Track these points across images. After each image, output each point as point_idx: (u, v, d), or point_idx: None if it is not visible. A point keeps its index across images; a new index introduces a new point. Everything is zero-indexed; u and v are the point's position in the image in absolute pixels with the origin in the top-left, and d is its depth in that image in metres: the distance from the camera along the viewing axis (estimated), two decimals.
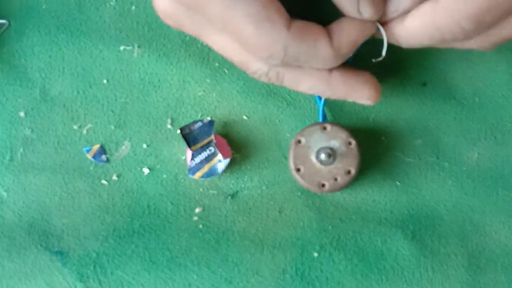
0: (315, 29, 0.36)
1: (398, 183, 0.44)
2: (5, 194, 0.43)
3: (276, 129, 0.44)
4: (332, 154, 0.41)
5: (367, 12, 0.36)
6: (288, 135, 0.44)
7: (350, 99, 0.39)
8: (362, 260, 0.43)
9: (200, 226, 0.43)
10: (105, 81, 0.44)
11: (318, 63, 0.37)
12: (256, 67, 0.37)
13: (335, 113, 0.44)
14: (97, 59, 0.45)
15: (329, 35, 0.36)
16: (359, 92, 0.39)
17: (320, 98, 0.43)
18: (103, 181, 0.43)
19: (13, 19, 0.45)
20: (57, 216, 0.43)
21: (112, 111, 0.44)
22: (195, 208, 0.43)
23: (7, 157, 0.43)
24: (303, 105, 0.44)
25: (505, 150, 0.44)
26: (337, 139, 0.42)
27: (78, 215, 0.43)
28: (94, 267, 0.42)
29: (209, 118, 0.44)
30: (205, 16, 0.36)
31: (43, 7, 0.45)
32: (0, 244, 0.42)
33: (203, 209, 0.43)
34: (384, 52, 0.38)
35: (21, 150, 0.43)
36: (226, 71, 0.45)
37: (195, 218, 0.43)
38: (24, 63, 0.44)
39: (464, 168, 0.44)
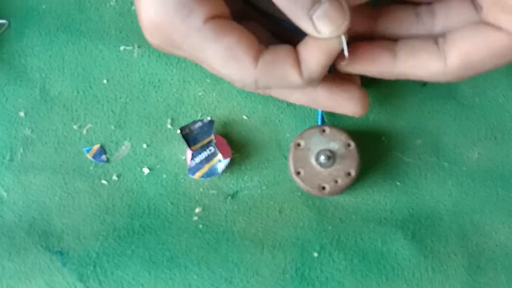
0: (283, 58, 0.36)
1: (398, 183, 0.44)
2: (5, 194, 0.43)
3: (276, 129, 0.44)
4: (331, 156, 0.41)
5: (326, 30, 0.34)
6: (288, 135, 0.44)
7: (337, 112, 0.40)
8: (362, 260, 0.43)
9: (200, 226, 0.43)
10: (105, 81, 0.44)
11: (292, 88, 0.38)
12: (241, 85, 0.38)
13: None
14: (97, 59, 0.45)
15: (298, 62, 0.36)
16: (344, 108, 0.39)
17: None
18: (103, 181, 0.43)
19: (13, 19, 0.45)
20: (57, 216, 0.43)
21: (112, 111, 0.44)
22: (195, 208, 0.43)
23: (7, 157, 0.43)
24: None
25: (505, 150, 0.44)
26: (336, 141, 0.42)
27: (78, 215, 0.43)
28: (94, 267, 0.42)
29: (209, 118, 0.44)
30: (185, 53, 0.37)
31: (43, 7, 0.45)
32: (0, 244, 0.42)
33: (203, 209, 0.43)
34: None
35: (21, 150, 0.43)
36: None
37: (195, 218, 0.43)
38: (24, 63, 0.44)
39: (464, 168, 0.44)
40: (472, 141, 0.44)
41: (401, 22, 0.39)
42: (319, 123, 0.43)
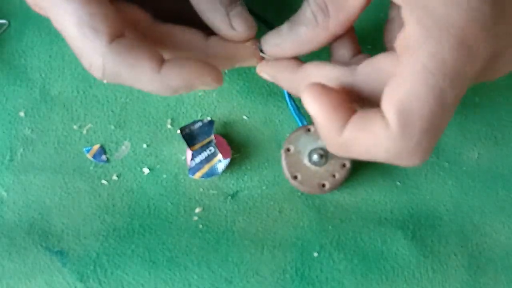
0: (146, 52, 0.34)
1: (398, 183, 0.44)
2: (5, 194, 0.43)
3: (276, 129, 0.44)
4: (324, 154, 0.41)
5: (241, 28, 0.35)
6: (288, 135, 0.44)
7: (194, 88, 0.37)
8: (362, 260, 0.43)
9: (200, 226, 0.43)
10: (105, 81, 0.44)
11: (143, 87, 0.35)
12: (87, 64, 0.35)
13: None
14: None
15: (160, 62, 0.34)
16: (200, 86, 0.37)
17: (292, 104, 0.43)
18: (103, 181, 0.43)
19: (13, 19, 0.45)
20: (57, 216, 0.43)
21: (112, 111, 0.44)
22: (195, 208, 0.43)
23: (7, 157, 0.43)
24: (303, 105, 0.44)
25: (505, 150, 0.44)
26: None
27: (78, 215, 0.43)
28: (94, 267, 0.42)
29: (209, 118, 0.44)
30: (41, 9, 0.35)
31: None
32: (0, 244, 0.42)
33: (203, 209, 0.43)
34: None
35: (21, 150, 0.43)
36: (226, 71, 0.45)
37: (195, 218, 0.43)
38: (24, 63, 0.44)
39: (464, 168, 0.44)
40: (472, 141, 0.44)
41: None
42: (299, 124, 0.43)
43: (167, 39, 0.38)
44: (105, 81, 0.35)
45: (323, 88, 0.32)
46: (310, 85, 0.33)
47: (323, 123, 0.33)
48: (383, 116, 0.31)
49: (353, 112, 0.32)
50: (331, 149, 0.34)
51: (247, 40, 0.38)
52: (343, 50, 0.37)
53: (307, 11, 0.35)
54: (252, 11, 0.39)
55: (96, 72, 0.34)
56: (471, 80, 0.31)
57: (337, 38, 0.36)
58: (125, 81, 0.35)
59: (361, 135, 0.32)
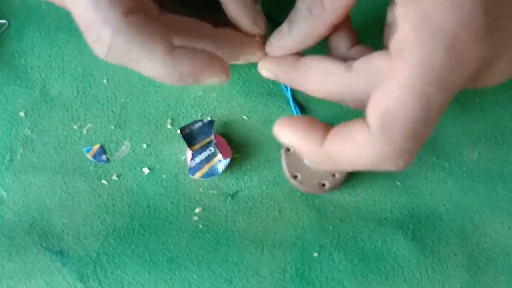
0: (159, 31, 0.32)
1: (398, 183, 0.44)
2: (5, 194, 0.43)
3: None
4: None
5: (262, 24, 0.36)
6: None
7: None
8: (362, 260, 0.43)
9: (200, 226, 0.43)
10: (105, 81, 0.44)
11: (150, 70, 0.33)
12: (93, 38, 0.32)
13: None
14: (97, 59, 0.44)
15: (172, 46, 0.32)
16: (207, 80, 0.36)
17: (294, 104, 0.43)
18: (103, 181, 0.43)
19: (13, 19, 0.45)
20: (57, 216, 0.43)
21: (112, 111, 0.44)
22: (195, 208, 0.43)
23: (7, 157, 0.43)
24: (304, 105, 0.44)
25: (505, 150, 0.44)
26: None
27: (78, 215, 0.43)
28: (94, 267, 0.42)
29: (209, 118, 0.44)
30: None
31: (43, 7, 0.45)
32: (0, 244, 0.42)
33: (203, 209, 0.43)
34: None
35: (21, 150, 0.43)
36: None
37: (195, 218, 0.43)
38: (24, 63, 0.44)
39: (464, 168, 0.44)
40: (472, 141, 0.44)
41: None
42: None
43: (175, 26, 0.36)
44: (106, 59, 0.33)
45: (290, 118, 0.34)
46: (277, 121, 0.34)
47: (301, 144, 0.34)
48: (363, 122, 0.32)
49: (328, 128, 0.33)
50: (318, 165, 0.34)
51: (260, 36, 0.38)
52: (340, 42, 0.37)
53: (302, 7, 0.36)
54: (272, 18, 0.40)
55: (101, 47, 0.32)
56: (460, 86, 0.32)
57: (334, 30, 0.36)
58: (131, 61, 0.32)
59: (343, 143, 0.32)
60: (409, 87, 0.30)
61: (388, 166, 0.32)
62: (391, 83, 0.31)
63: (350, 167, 0.33)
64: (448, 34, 0.30)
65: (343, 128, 0.33)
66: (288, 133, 0.34)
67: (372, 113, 0.31)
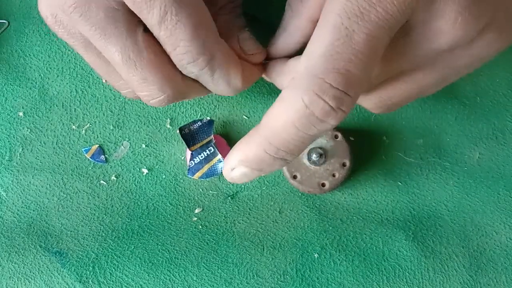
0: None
1: (399, 183, 0.44)
2: (4, 194, 0.43)
3: None
4: (323, 152, 0.41)
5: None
6: None
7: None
8: (363, 261, 0.43)
9: (200, 226, 0.43)
10: (104, 80, 0.44)
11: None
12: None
13: None
14: None
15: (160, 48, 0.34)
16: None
17: None
18: (102, 182, 0.43)
19: (13, 19, 0.45)
20: (56, 217, 0.43)
21: (111, 111, 0.44)
22: (195, 208, 0.43)
23: (6, 157, 0.43)
24: None
25: (506, 150, 0.44)
26: (323, 136, 0.42)
27: (77, 215, 0.43)
28: (93, 268, 0.42)
29: (208, 118, 0.44)
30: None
31: None
32: (0, 245, 0.42)
33: (203, 210, 0.43)
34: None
35: (20, 150, 0.43)
36: None
37: (195, 218, 0.43)
38: (23, 63, 0.44)
39: (466, 168, 0.44)
40: (474, 141, 0.44)
41: None
42: None
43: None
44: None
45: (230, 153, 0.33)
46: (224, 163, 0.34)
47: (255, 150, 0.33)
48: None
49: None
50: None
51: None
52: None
53: (287, 4, 0.37)
54: (255, 17, 0.40)
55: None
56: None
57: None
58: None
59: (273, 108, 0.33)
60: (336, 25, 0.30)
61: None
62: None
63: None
64: None
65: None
66: (243, 154, 0.33)
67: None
